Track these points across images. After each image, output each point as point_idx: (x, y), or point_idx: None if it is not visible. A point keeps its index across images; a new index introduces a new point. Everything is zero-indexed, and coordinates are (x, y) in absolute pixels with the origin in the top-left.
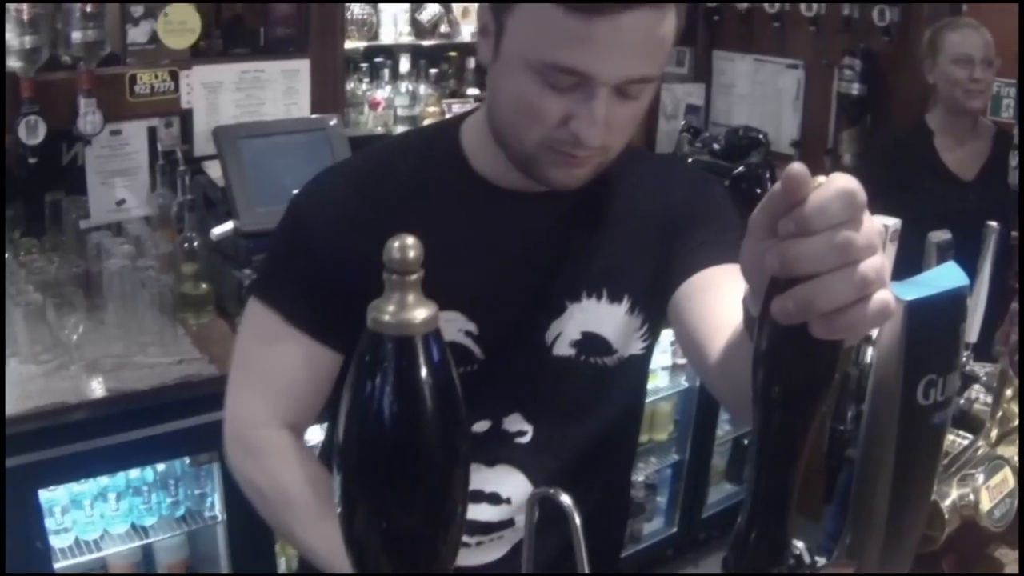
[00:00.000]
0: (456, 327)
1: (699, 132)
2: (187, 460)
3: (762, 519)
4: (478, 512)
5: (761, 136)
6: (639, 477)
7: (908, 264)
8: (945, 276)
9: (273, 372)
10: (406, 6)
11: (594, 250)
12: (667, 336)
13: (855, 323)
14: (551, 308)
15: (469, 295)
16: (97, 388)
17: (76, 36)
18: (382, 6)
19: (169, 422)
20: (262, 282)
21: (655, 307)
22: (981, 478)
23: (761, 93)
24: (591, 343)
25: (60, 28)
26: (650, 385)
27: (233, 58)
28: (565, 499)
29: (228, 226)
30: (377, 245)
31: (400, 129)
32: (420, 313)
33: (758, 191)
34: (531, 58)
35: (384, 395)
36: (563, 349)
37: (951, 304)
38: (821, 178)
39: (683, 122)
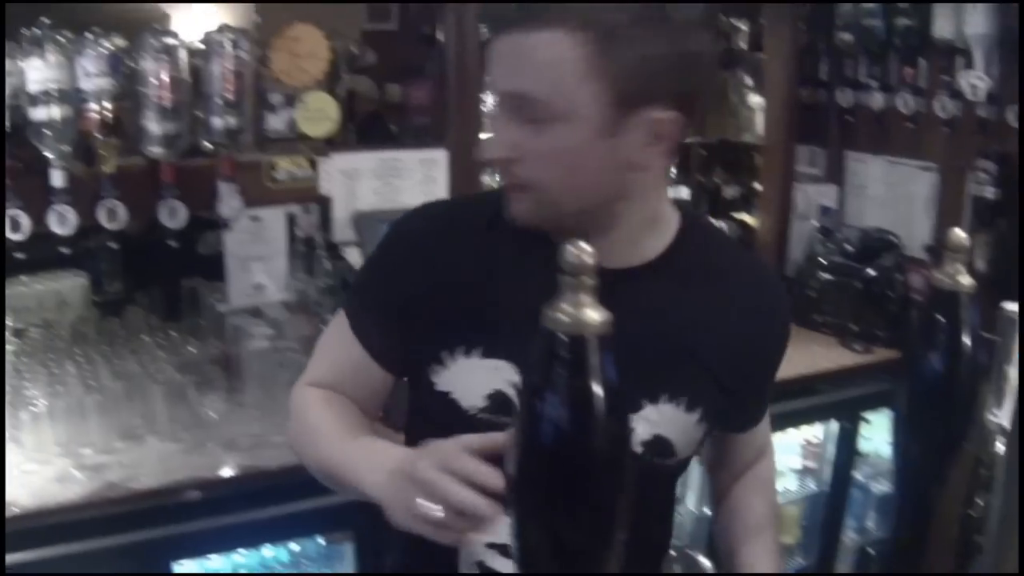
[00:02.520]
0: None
1: (831, 233)
2: (321, 540)
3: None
4: None
5: (894, 239)
6: None
7: None
8: None
9: (330, 360)
10: None
11: (679, 351)
12: (796, 437)
13: None
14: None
15: None
16: (233, 465)
17: (216, 123)
18: None
19: (304, 500)
20: (349, 291)
21: (718, 419)
22: None
23: (894, 195)
24: (659, 445)
25: (201, 116)
26: (779, 487)
27: (371, 146)
28: (704, 561)
29: None
30: (458, 274)
31: None
32: (594, 315)
33: (889, 294)
34: None
35: (557, 390)
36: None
37: None
38: None
39: (815, 223)
